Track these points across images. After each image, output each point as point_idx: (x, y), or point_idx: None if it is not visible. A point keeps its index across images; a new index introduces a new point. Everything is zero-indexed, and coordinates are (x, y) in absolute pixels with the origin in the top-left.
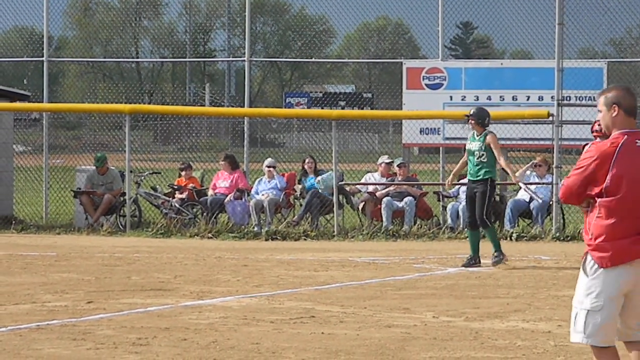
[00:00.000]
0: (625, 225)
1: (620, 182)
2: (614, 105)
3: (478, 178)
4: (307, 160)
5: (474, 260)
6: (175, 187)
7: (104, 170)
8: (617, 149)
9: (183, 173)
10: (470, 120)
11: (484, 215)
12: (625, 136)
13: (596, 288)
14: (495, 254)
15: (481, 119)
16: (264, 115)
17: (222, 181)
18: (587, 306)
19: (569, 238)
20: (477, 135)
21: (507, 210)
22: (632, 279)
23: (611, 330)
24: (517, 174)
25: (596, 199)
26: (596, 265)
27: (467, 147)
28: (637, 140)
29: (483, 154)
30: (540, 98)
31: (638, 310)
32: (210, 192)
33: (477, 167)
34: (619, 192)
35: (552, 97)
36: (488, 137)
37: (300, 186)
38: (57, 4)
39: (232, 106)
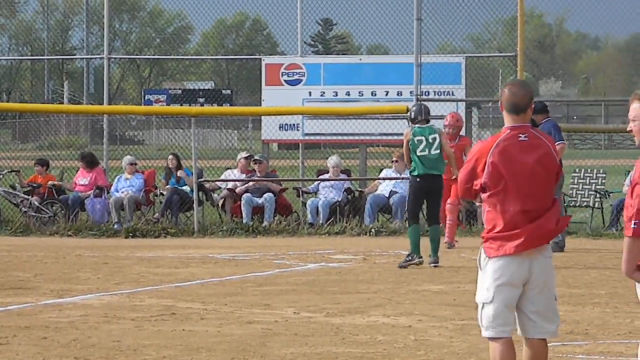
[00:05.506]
0: (509, 218)
1: (498, 176)
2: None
3: None
4: (169, 158)
5: (435, 260)
6: (35, 185)
7: None
8: (495, 143)
9: (36, 168)
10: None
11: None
12: (508, 131)
13: (487, 280)
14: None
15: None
16: (123, 112)
17: (81, 179)
18: (482, 299)
19: (428, 232)
20: None
21: (367, 206)
22: (523, 271)
23: (504, 322)
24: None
25: (482, 193)
26: (487, 258)
27: None
28: (520, 135)
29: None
30: (399, 93)
31: (532, 303)
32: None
33: None
34: (498, 186)
35: (410, 92)
36: None
37: (168, 187)
38: None
39: (91, 104)
